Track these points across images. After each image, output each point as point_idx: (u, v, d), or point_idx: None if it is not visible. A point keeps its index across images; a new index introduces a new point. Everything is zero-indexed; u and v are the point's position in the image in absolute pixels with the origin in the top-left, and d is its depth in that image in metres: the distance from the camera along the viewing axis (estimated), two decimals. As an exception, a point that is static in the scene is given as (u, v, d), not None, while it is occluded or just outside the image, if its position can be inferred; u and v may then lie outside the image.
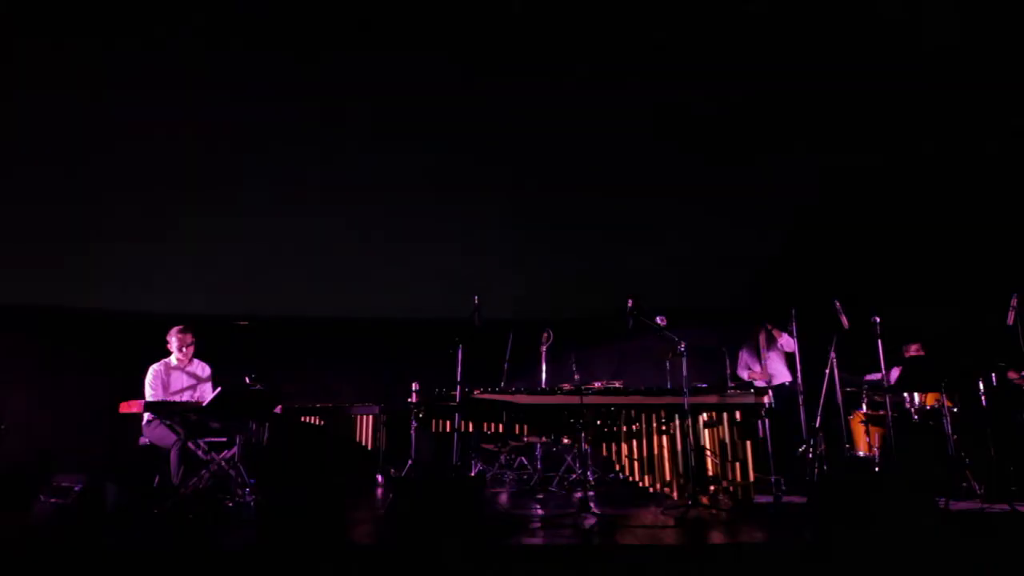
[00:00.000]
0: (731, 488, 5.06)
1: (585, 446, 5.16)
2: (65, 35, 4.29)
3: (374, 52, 4.57)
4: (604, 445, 5.24)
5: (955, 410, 5.62)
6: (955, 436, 5.25)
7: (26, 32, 4.25)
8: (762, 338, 6.79)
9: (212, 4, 4.19)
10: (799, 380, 5.78)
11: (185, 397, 5.46)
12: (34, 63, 4.46)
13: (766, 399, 5.17)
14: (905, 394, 5.98)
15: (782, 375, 6.77)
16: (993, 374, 5.72)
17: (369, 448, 6.32)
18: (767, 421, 5.36)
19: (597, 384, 5.83)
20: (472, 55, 4.65)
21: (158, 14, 4.21)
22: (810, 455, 5.49)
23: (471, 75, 4.79)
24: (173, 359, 5.57)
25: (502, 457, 6.55)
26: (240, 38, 4.43)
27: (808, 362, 5.94)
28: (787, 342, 6.57)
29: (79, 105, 4.80)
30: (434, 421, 5.71)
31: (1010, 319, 5.12)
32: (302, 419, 6.26)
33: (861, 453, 6.07)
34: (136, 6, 4.16)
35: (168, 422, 4.99)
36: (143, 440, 5.22)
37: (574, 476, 6.16)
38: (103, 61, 4.51)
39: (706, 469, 5.08)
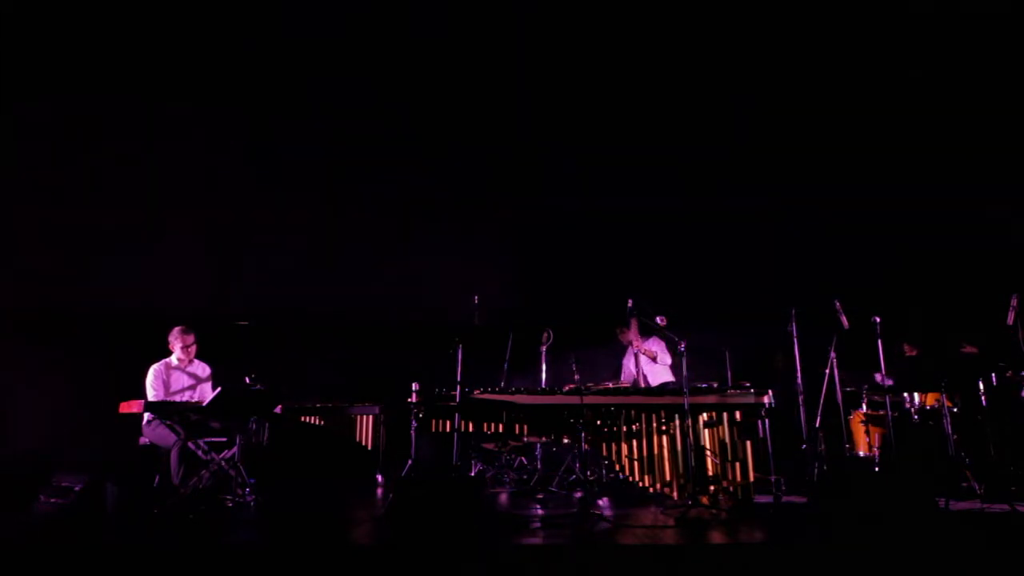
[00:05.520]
0: (731, 488, 5.06)
1: (585, 446, 5.16)
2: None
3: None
4: (604, 445, 5.23)
5: (955, 410, 5.62)
6: (955, 436, 5.25)
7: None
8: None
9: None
10: (799, 380, 5.76)
11: (185, 397, 5.46)
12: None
13: (766, 399, 5.17)
14: (905, 394, 5.98)
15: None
16: (993, 374, 5.72)
17: (369, 448, 6.32)
18: (767, 421, 5.35)
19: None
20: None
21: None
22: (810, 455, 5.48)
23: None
24: (174, 359, 5.57)
25: (502, 457, 6.54)
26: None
27: (808, 361, 5.92)
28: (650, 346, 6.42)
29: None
30: (434, 421, 5.69)
31: (1010, 319, 5.12)
32: (302, 419, 6.26)
33: (861, 453, 6.06)
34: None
35: (168, 422, 4.99)
36: (143, 440, 5.22)
37: (574, 476, 6.15)
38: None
39: (706, 469, 5.08)
